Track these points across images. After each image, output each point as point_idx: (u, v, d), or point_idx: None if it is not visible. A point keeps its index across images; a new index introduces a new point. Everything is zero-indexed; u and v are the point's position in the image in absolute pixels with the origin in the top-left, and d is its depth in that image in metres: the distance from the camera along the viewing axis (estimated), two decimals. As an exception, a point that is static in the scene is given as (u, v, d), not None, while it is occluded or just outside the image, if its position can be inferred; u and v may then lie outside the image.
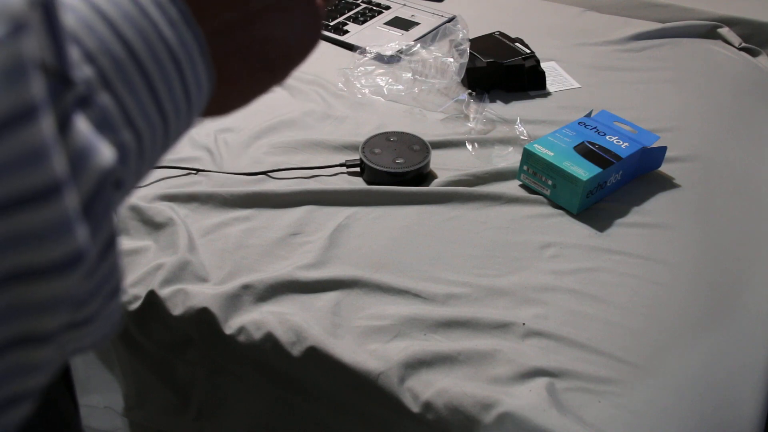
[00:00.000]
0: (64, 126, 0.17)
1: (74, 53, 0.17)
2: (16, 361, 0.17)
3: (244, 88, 0.26)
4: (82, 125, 0.17)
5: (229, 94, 0.25)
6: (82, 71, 0.18)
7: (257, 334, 0.59)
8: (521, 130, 0.85)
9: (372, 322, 0.60)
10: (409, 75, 0.95)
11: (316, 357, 0.57)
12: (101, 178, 0.17)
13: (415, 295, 0.62)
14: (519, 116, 0.88)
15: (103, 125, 0.18)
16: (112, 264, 0.19)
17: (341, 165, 0.78)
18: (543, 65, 0.95)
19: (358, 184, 0.77)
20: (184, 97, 0.21)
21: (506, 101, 0.93)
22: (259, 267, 0.65)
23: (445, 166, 0.80)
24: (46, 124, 0.16)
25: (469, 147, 0.83)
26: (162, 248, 0.68)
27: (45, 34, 0.16)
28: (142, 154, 0.20)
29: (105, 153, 0.18)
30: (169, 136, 0.22)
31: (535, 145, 0.75)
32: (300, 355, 0.58)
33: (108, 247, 0.19)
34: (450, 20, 1.11)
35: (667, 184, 0.78)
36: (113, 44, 0.19)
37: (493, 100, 0.92)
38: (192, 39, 0.21)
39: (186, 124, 0.23)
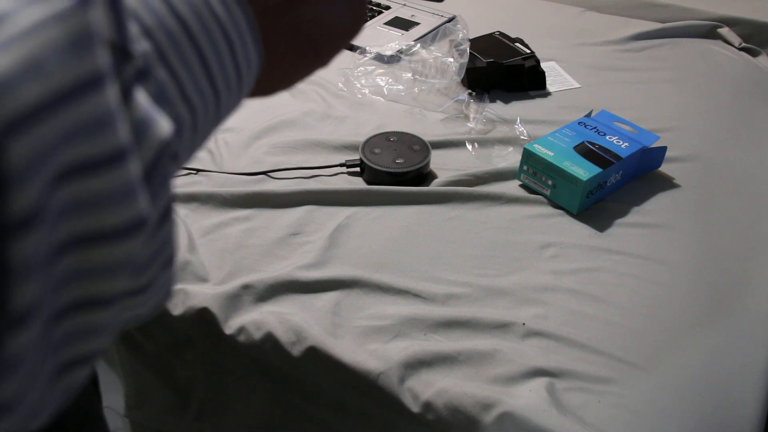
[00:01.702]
0: (125, 98, 0.17)
1: (133, 28, 0.18)
2: (79, 323, 0.18)
3: (290, 69, 0.26)
4: (141, 98, 0.18)
5: (276, 74, 0.25)
6: (141, 46, 0.18)
7: (257, 334, 0.59)
8: (521, 130, 0.85)
9: (372, 322, 0.60)
10: (409, 75, 0.95)
11: (316, 357, 0.57)
12: (160, 148, 0.18)
13: (415, 295, 0.62)
14: (519, 116, 0.88)
15: (161, 98, 0.19)
16: (168, 233, 0.20)
17: (341, 165, 0.78)
18: (543, 65, 0.95)
19: (358, 184, 0.77)
20: (235, 73, 0.22)
21: (506, 101, 0.93)
22: (259, 267, 0.65)
23: (445, 166, 0.80)
24: (112, 93, 0.16)
25: (469, 147, 0.83)
26: (162, 248, 0.67)
27: (107, 10, 0.16)
28: (195, 128, 0.21)
29: (163, 125, 0.18)
30: (220, 112, 0.22)
31: (535, 145, 0.75)
32: (300, 355, 0.58)
33: (165, 216, 0.19)
34: (450, 20, 1.11)
35: (667, 184, 0.78)
36: (169, 20, 0.19)
37: (493, 100, 0.92)
38: (242, 17, 0.21)
39: (236, 101, 0.23)
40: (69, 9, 0.15)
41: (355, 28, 0.28)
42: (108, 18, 0.16)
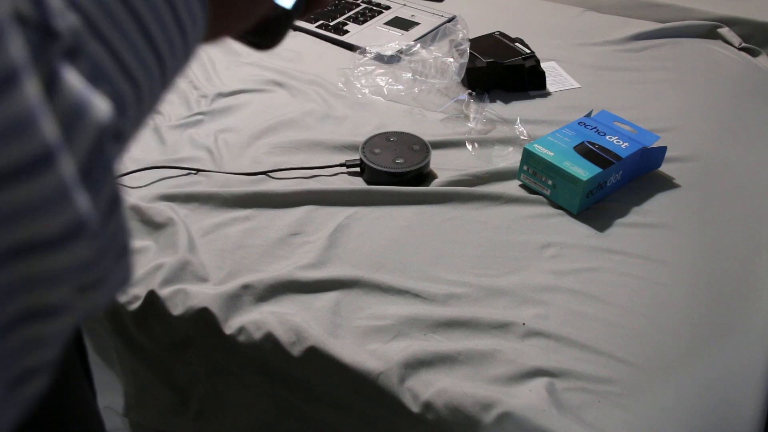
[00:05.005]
0: (51, 83, 0.15)
1: (55, 1, 0.16)
2: (26, 336, 0.17)
3: (241, 9, 0.25)
4: (72, 80, 0.16)
5: (227, 16, 0.24)
6: (67, 20, 0.16)
7: (257, 334, 0.59)
8: (521, 130, 0.85)
9: (372, 322, 0.60)
10: (409, 75, 0.95)
11: (316, 357, 0.57)
12: (98, 134, 0.16)
13: (415, 295, 0.62)
14: (519, 116, 0.88)
15: (96, 77, 0.17)
16: (118, 223, 0.18)
17: (341, 165, 0.78)
18: (543, 65, 0.95)
19: (358, 184, 0.77)
20: (179, 35, 0.20)
21: (506, 101, 0.93)
22: (259, 267, 0.65)
23: (445, 166, 0.80)
24: (30, 88, 0.14)
25: (469, 147, 0.83)
26: (162, 248, 0.68)
27: None
28: (140, 102, 0.19)
29: (100, 107, 0.16)
30: (166, 77, 0.21)
31: (535, 145, 0.75)
32: (300, 355, 0.58)
33: (112, 205, 0.18)
34: (450, 20, 1.11)
35: (667, 184, 0.78)
36: None
37: (493, 100, 0.92)
38: None
39: (184, 61, 0.22)
40: None
41: None
42: None
